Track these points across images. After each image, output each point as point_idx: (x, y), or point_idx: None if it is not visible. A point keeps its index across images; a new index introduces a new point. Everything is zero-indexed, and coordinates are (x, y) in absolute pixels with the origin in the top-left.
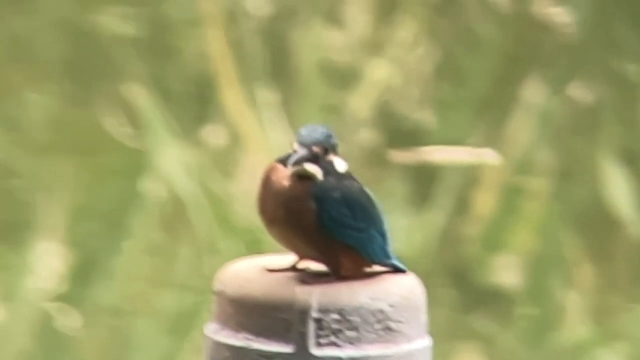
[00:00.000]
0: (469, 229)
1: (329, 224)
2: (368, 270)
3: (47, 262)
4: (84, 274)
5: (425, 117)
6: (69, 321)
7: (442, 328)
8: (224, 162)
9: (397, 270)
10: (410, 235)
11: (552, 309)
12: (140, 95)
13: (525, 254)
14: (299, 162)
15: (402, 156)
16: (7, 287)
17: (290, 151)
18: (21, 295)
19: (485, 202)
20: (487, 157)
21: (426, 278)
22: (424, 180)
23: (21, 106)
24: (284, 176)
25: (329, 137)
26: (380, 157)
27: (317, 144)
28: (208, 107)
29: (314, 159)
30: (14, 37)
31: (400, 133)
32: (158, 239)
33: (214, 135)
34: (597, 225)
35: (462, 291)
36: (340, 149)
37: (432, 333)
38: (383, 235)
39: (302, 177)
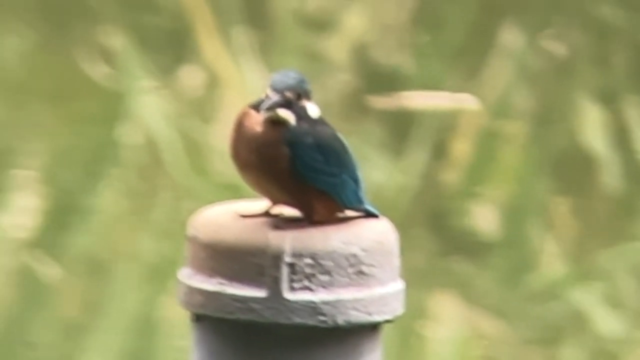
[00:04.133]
0: (447, 174)
1: (301, 169)
2: (341, 215)
3: (25, 208)
4: (61, 221)
5: (403, 62)
6: (47, 268)
7: (419, 271)
8: (201, 106)
9: (369, 214)
10: (388, 181)
11: (528, 251)
12: (116, 38)
13: (502, 198)
14: (271, 108)
15: (380, 101)
16: None
17: (263, 96)
18: None
19: (462, 147)
20: (466, 102)
21: (403, 222)
22: (402, 126)
23: None
24: (256, 121)
25: (302, 82)
26: (359, 102)
27: (289, 89)
28: (185, 51)
29: (287, 104)
30: None
31: (377, 78)
32: (135, 184)
33: (191, 79)
34: (573, 167)
35: (439, 235)
36: (318, 94)
37: (410, 275)
38: (355, 180)
39: (275, 123)
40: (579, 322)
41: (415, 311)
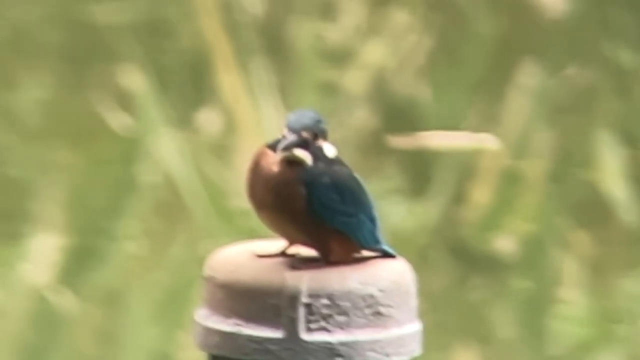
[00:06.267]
0: (466, 214)
1: (318, 209)
2: (357, 255)
3: (44, 248)
4: (79, 261)
5: (421, 100)
6: (65, 306)
7: (437, 309)
8: (220, 147)
9: (386, 255)
10: (406, 221)
11: (548, 287)
12: (134, 81)
13: (522, 239)
14: (288, 148)
15: (399, 141)
16: (4, 272)
17: (279, 136)
18: (18, 281)
19: (482, 187)
20: (486, 141)
21: (421, 262)
22: (421, 166)
23: (15, 93)
24: (273, 161)
25: (318, 122)
26: (377, 141)
27: (306, 129)
28: (203, 92)
29: (303, 144)
30: (9, 25)
31: (396, 116)
32: (153, 224)
33: (210, 119)
34: (593, 208)
35: (458, 273)
36: (336, 132)
37: (428, 313)
38: (372, 220)
39: (291, 163)
40: None
41: (433, 353)
